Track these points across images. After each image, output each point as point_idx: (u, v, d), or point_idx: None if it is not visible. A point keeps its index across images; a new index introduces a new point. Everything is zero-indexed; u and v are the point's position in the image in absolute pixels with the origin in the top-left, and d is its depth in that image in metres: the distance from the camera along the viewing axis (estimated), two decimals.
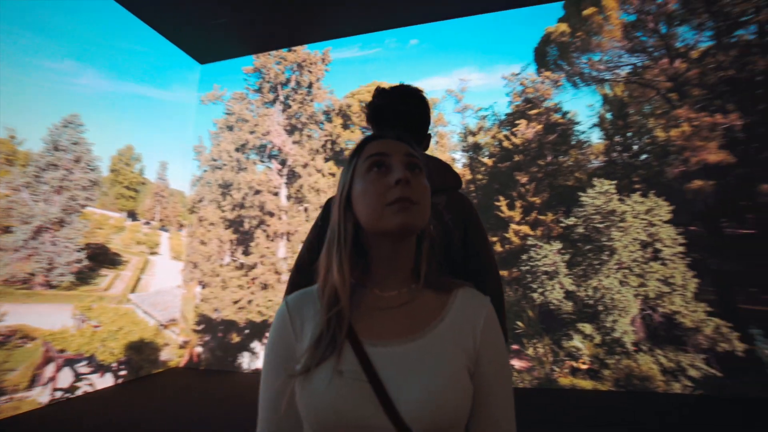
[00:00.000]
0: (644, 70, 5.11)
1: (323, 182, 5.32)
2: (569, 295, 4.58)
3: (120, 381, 4.47)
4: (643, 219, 4.37)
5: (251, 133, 5.62)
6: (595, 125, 5.15)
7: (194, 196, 5.66)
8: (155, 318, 5.17)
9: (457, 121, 5.81)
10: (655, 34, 5.20)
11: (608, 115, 5.19)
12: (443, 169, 1.03)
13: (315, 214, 5.27)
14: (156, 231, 5.64)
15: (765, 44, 4.74)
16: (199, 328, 5.27)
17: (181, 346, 5.27)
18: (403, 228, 0.51)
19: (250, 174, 5.52)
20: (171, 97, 5.82)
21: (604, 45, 5.32)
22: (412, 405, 0.47)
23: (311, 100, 5.65)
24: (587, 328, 4.39)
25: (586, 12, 5.39)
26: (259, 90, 5.80)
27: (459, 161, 5.82)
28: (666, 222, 4.31)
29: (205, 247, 5.38)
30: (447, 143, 5.60)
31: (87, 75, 4.67)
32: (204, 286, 5.36)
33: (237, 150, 5.63)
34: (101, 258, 4.86)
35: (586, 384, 4.29)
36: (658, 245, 4.29)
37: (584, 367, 4.33)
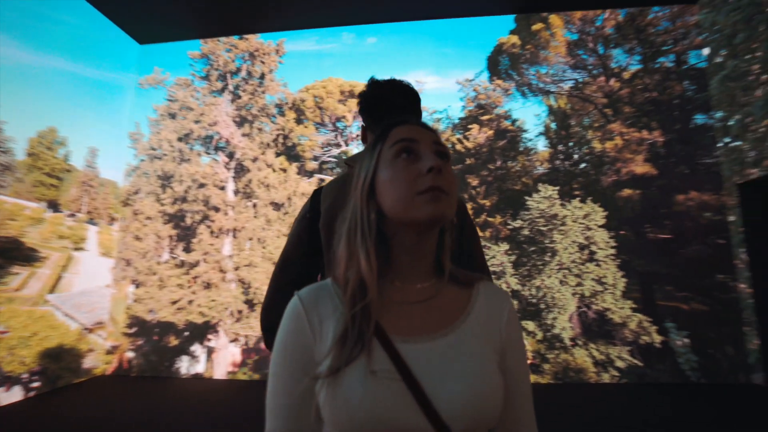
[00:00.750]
0: (584, 85, 5.52)
1: (274, 177, 5.12)
2: (515, 294, 4.82)
3: (32, 394, 3.95)
4: (581, 223, 4.72)
5: (196, 122, 5.26)
6: (541, 134, 5.46)
7: (129, 187, 5.18)
8: (78, 321, 4.64)
9: None
10: (594, 54, 5.65)
11: (553, 125, 5.54)
12: None
13: (265, 210, 5.05)
14: (82, 224, 5.07)
15: (680, 72, 5.33)
16: (131, 331, 4.83)
17: (109, 352, 4.79)
18: (433, 218, 0.49)
19: (193, 166, 5.16)
20: (104, 77, 5.27)
21: (551, 59, 5.67)
22: (451, 404, 0.45)
23: (263, 92, 5.41)
24: (530, 325, 4.65)
25: (535, 27, 5.71)
26: (206, 77, 5.45)
27: None
28: (600, 226, 4.69)
29: (140, 242, 4.94)
30: None
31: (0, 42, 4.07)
32: (138, 285, 4.91)
33: (180, 140, 5.24)
34: (13, 253, 4.26)
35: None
36: (594, 248, 4.65)
37: (527, 362, 4.58)
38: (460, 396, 0.46)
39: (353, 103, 5.50)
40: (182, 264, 4.95)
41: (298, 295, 0.53)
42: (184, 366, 4.81)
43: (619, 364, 4.32)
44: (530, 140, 5.59)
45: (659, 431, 2.83)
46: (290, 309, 0.52)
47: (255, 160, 5.15)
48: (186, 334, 4.83)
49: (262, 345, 4.85)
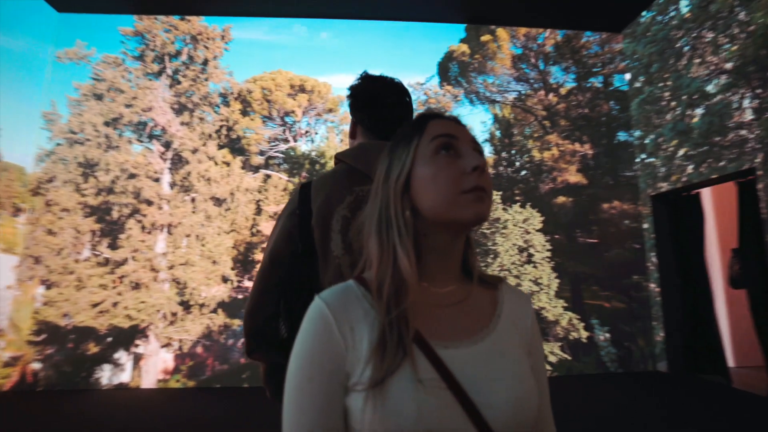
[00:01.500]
0: (526, 97, 5.88)
1: (216, 171, 4.80)
2: None
3: None
4: (521, 227, 5.02)
5: (127, 106, 4.77)
6: (486, 140, 5.72)
7: (41, 174, 4.55)
8: None
9: None
10: (536, 69, 6.05)
11: (497, 133, 5.83)
12: None
13: (205, 206, 4.71)
14: None
15: (607, 93, 5.89)
16: (39, 339, 4.24)
17: (8, 364, 4.16)
18: (477, 219, 0.48)
19: (123, 154, 4.67)
20: (13, 45, 4.57)
21: (497, 70, 5.96)
22: (498, 410, 0.44)
23: (206, 79, 5.05)
24: None
25: (483, 38, 5.97)
26: (140, 58, 4.96)
27: None
28: (538, 230, 5.02)
29: (54, 237, 4.35)
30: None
31: None
32: (49, 286, 4.33)
33: (107, 124, 4.71)
34: None
35: None
36: (531, 250, 4.97)
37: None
38: (505, 402, 0.45)
39: (303, 98, 5.34)
40: (106, 262, 4.46)
41: (323, 299, 0.48)
42: (106, 376, 4.33)
43: (552, 359, 4.66)
44: None
45: (579, 417, 3.10)
46: (315, 315, 0.47)
47: (195, 151, 4.79)
48: (109, 340, 4.35)
49: (199, 349, 4.52)
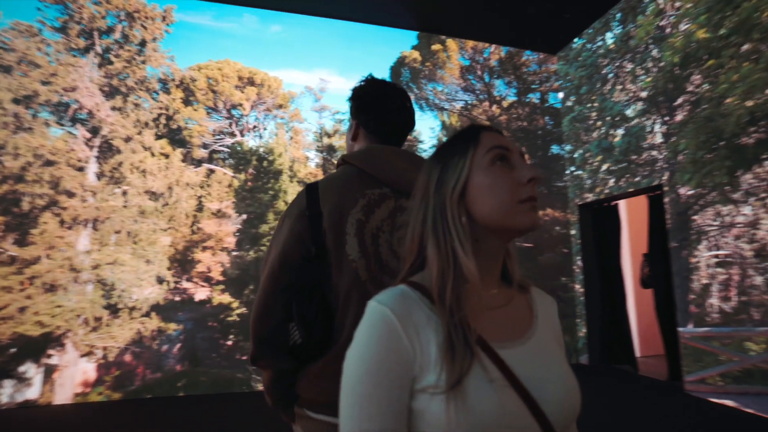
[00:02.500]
0: (472, 107, 6.19)
1: (152, 163, 4.42)
2: None
3: None
4: None
5: (45, 83, 4.21)
6: (434, 146, 5.92)
7: None
8: None
9: (313, 119, 5.75)
10: (481, 81, 6.40)
11: (445, 140, 6.06)
12: None
13: (138, 200, 4.31)
14: None
15: (543, 108, 6.41)
16: None
17: None
18: (532, 226, 0.51)
19: (38, 137, 4.11)
20: None
21: (446, 79, 6.21)
22: (553, 406, 0.47)
23: (143, 62, 4.63)
24: None
25: (434, 47, 6.18)
26: (62, 30, 4.40)
27: (312, 160, 5.77)
28: None
29: None
30: (302, 140, 5.47)
31: None
32: None
33: (16, 101, 4.12)
34: None
35: None
36: None
37: None
38: (561, 398, 0.48)
39: (252, 92, 5.11)
40: (12, 261, 3.89)
41: (385, 304, 0.48)
42: (6, 393, 3.78)
43: None
44: (425, 151, 6.01)
45: None
46: (379, 320, 0.47)
47: (128, 140, 4.36)
48: (12, 351, 3.80)
49: (127, 357, 4.12)
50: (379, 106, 0.95)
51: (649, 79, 4.40)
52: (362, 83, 0.99)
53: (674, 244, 3.89)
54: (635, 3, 4.56)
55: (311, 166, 5.86)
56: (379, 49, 6.05)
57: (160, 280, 4.29)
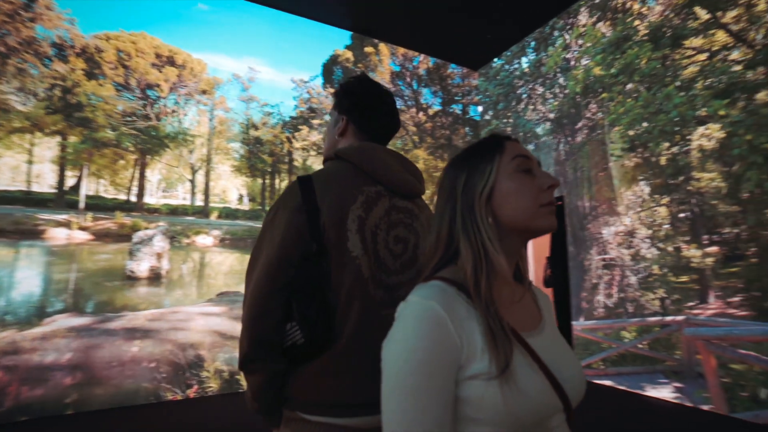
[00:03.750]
0: (401, 112, 6.41)
1: (42, 141, 3.76)
2: None
3: None
4: None
5: None
6: None
7: None
8: None
9: (240, 109, 5.43)
10: (410, 88, 6.67)
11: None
12: (418, 172, 1.01)
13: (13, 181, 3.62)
14: None
15: (464, 119, 6.92)
16: None
17: None
18: (551, 228, 0.56)
19: None
20: None
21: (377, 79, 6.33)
22: (571, 385, 0.54)
23: (31, 20, 3.90)
24: None
25: (367, 49, 6.26)
26: None
27: (237, 152, 5.46)
28: None
29: None
30: (226, 131, 5.13)
31: None
32: None
33: None
34: None
35: None
36: None
37: None
38: (575, 379, 0.55)
39: (172, 72, 4.63)
40: None
41: (431, 299, 0.50)
42: None
43: None
44: None
45: None
46: (427, 314, 0.49)
47: (7, 111, 3.63)
48: None
49: None
50: (374, 106, 0.96)
51: (556, 103, 5.04)
52: (354, 80, 0.98)
53: (572, 248, 4.52)
54: (547, 35, 5.19)
55: (236, 159, 5.55)
56: (312, 45, 5.93)
57: None
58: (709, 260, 3.21)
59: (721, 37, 3.34)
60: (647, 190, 3.74)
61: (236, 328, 5.29)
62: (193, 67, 4.73)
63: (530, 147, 5.44)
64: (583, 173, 4.50)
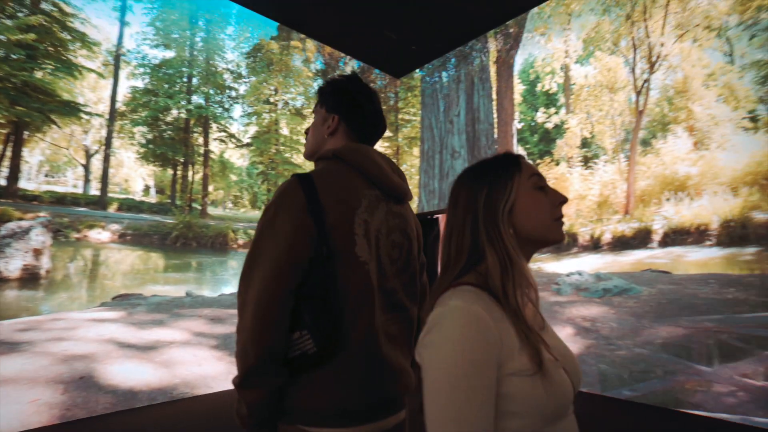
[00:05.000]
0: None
1: None
2: None
3: None
4: None
5: None
6: None
7: None
8: None
9: (150, 90, 4.93)
10: None
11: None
12: (404, 176, 1.00)
13: None
14: None
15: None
16: None
17: None
18: (563, 239, 0.64)
19: None
20: None
21: (300, 76, 6.20)
22: (575, 375, 0.60)
23: None
24: None
25: (294, 42, 6.12)
26: None
27: (145, 137, 4.98)
28: None
29: None
30: (133, 112, 4.64)
31: None
32: None
33: None
34: None
35: None
36: None
37: None
38: (577, 370, 0.62)
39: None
40: None
41: (473, 304, 0.54)
42: None
43: None
44: None
45: None
46: (473, 319, 0.53)
47: None
48: None
49: None
50: (366, 106, 0.94)
51: (469, 116, 5.43)
52: (346, 79, 0.96)
53: None
54: (467, 53, 5.56)
55: (142, 144, 5.00)
56: (235, 31, 5.61)
57: None
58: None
59: None
60: None
61: (138, 335, 4.73)
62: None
63: (446, 159, 5.79)
64: None
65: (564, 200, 0.64)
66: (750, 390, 2.92)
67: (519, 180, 0.63)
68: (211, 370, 3.84)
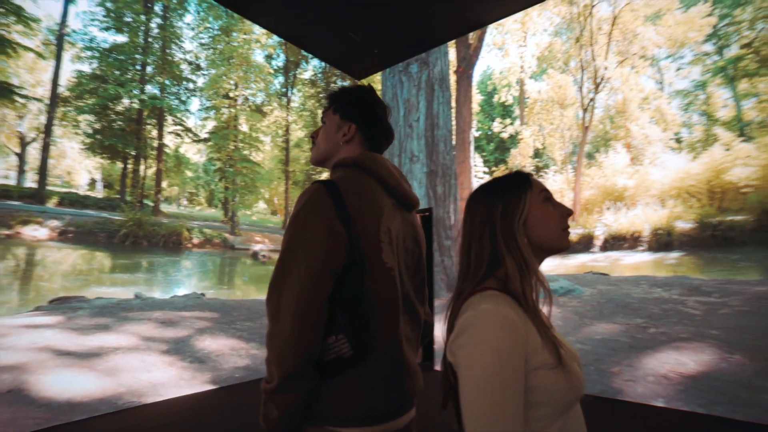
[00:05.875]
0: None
1: None
2: None
3: None
4: None
5: None
6: None
7: None
8: None
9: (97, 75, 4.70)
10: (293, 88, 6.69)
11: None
12: (411, 187, 1.02)
13: None
14: None
15: None
16: None
17: None
18: (568, 247, 0.71)
19: None
20: None
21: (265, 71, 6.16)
22: (582, 368, 0.67)
23: None
24: None
25: (255, 38, 6.07)
26: None
27: (92, 126, 4.73)
28: None
29: None
30: (79, 98, 4.41)
31: None
32: None
33: None
34: None
35: None
36: None
37: None
38: (580, 362, 0.68)
39: None
40: None
41: (502, 306, 0.61)
42: None
43: None
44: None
45: None
46: (503, 321, 0.59)
47: None
48: None
49: None
50: (382, 117, 0.98)
51: (428, 122, 5.69)
52: (363, 90, 0.98)
53: (437, 255, 5.17)
54: (429, 60, 5.83)
55: (88, 134, 4.75)
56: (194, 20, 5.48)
57: None
58: None
59: None
60: None
61: (78, 341, 4.44)
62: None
63: (405, 162, 6.01)
64: (450, 189, 5.20)
65: (570, 213, 0.71)
66: (671, 379, 3.32)
67: (531, 195, 0.70)
68: (161, 377, 3.68)
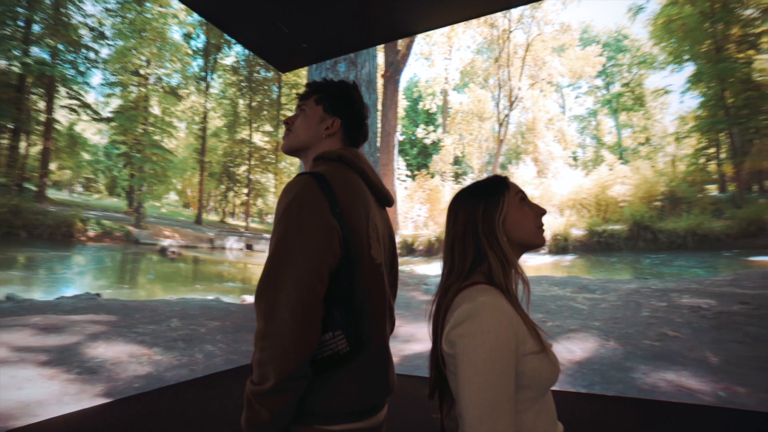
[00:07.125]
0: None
1: None
2: None
3: None
4: None
5: None
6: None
7: None
8: None
9: None
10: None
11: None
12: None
13: None
14: None
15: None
16: None
17: None
18: (544, 243, 0.78)
19: None
20: None
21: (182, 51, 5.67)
22: (557, 355, 0.78)
23: None
24: None
25: (173, 12, 5.56)
26: None
27: None
28: None
29: None
30: None
31: None
32: None
33: None
34: None
35: None
36: None
37: None
38: (556, 350, 0.80)
39: None
40: None
41: (496, 298, 0.66)
42: None
43: None
44: None
45: None
46: (500, 313, 0.64)
47: None
48: None
49: None
50: (364, 114, 0.98)
51: None
52: (350, 87, 0.99)
53: None
54: (355, 59, 5.86)
55: None
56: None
57: None
58: None
59: None
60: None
61: None
62: None
63: None
64: None
65: (544, 212, 0.79)
66: (563, 365, 3.79)
67: (508, 196, 0.77)
68: (38, 393, 3.08)
